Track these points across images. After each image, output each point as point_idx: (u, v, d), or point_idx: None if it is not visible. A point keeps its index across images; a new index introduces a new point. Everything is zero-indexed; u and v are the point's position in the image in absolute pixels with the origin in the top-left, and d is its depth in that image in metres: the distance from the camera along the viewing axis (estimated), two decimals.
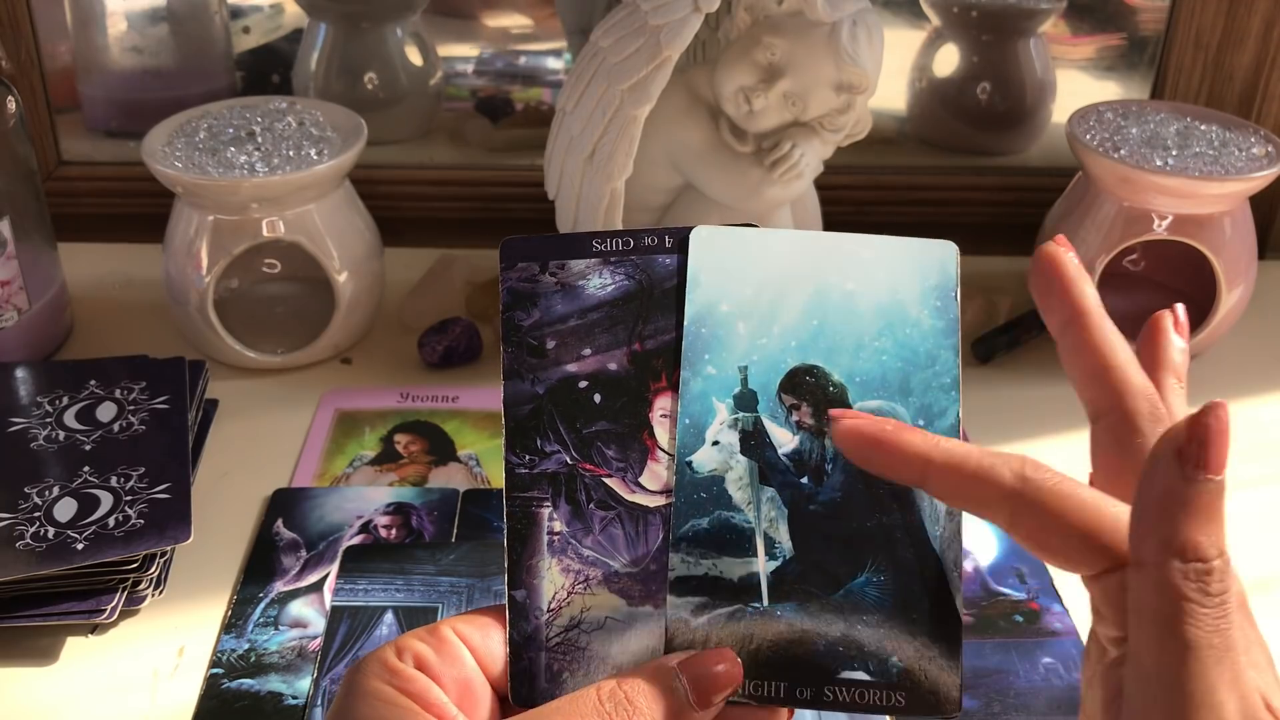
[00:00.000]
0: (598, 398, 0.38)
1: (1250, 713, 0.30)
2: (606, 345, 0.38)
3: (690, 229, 0.38)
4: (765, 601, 0.36)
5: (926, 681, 0.36)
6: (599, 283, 0.38)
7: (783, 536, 0.37)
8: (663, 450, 0.37)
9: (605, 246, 0.38)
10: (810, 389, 0.37)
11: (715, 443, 0.37)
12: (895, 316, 0.38)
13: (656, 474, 0.37)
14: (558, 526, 0.37)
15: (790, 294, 0.38)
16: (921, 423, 0.37)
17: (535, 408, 0.38)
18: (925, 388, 0.37)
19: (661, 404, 0.38)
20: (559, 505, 0.37)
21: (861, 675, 0.36)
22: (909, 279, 0.38)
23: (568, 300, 0.38)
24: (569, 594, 0.37)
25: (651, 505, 0.37)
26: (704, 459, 0.37)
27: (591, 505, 0.37)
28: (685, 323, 0.38)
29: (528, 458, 0.37)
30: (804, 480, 0.37)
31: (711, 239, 0.38)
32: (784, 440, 0.37)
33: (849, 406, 0.37)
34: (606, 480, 0.37)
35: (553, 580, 0.37)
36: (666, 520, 0.37)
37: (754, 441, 0.37)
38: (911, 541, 0.36)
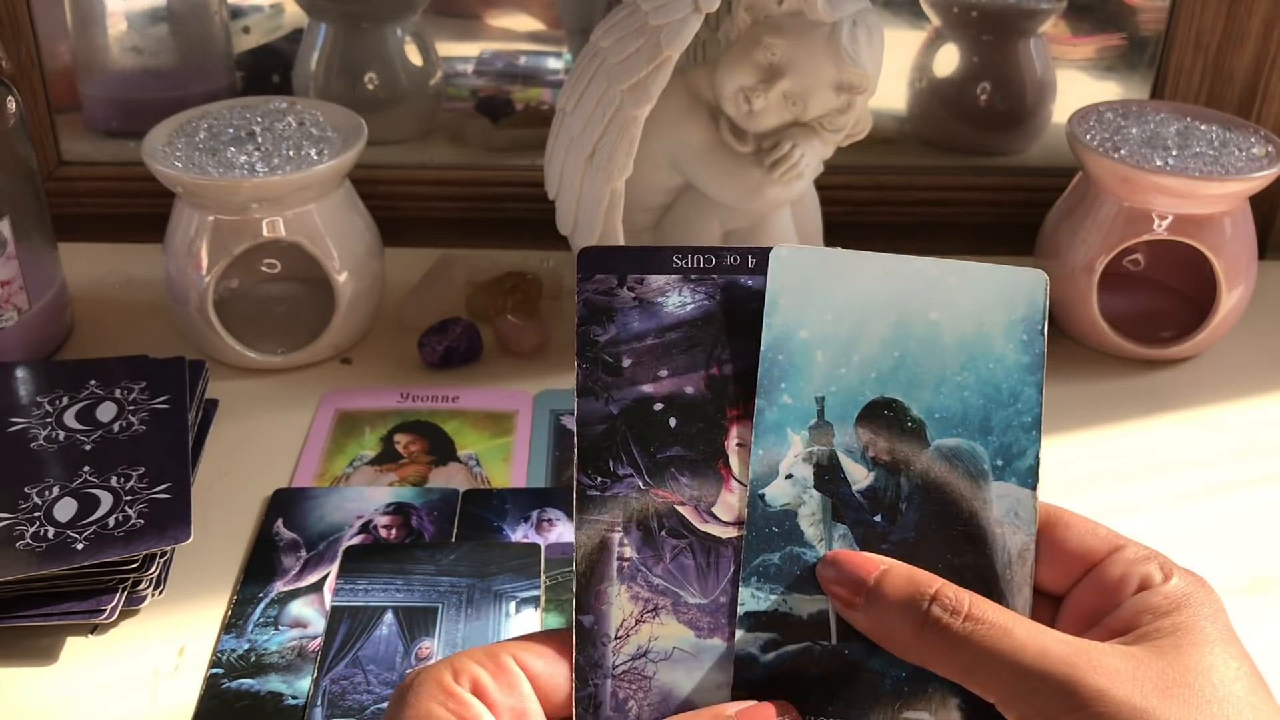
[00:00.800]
0: (673, 421, 0.36)
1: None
2: (684, 367, 0.36)
3: (770, 249, 0.37)
4: (834, 640, 0.35)
5: None
6: (678, 301, 0.37)
7: None
8: (737, 480, 0.36)
9: (686, 263, 0.37)
10: (888, 423, 0.36)
11: (789, 476, 0.36)
12: (979, 350, 0.36)
13: (730, 504, 0.36)
14: (628, 553, 0.36)
15: (872, 322, 0.36)
16: (1000, 463, 0.36)
17: (609, 428, 0.36)
18: (1006, 426, 0.36)
19: (737, 432, 0.36)
20: (630, 531, 0.36)
21: (925, 716, 0.35)
22: (996, 310, 0.36)
23: (645, 317, 0.37)
24: (637, 622, 0.36)
25: (724, 536, 0.36)
26: (777, 492, 0.36)
27: (663, 533, 0.36)
28: (762, 348, 0.36)
29: (599, 479, 0.36)
30: (877, 519, 0.36)
31: (792, 260, 0.36)
32: (859, 476, 0.36)
33: (927, 444, 0.36)
34: (679, 508, 0.36)
35: (621, 607, 0.36)
36: (738, 552, 0.36)
37: (829, 476, 0.36)
38: (983, 586, 0.36)
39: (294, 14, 0.98)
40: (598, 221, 0.72)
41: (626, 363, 0.36)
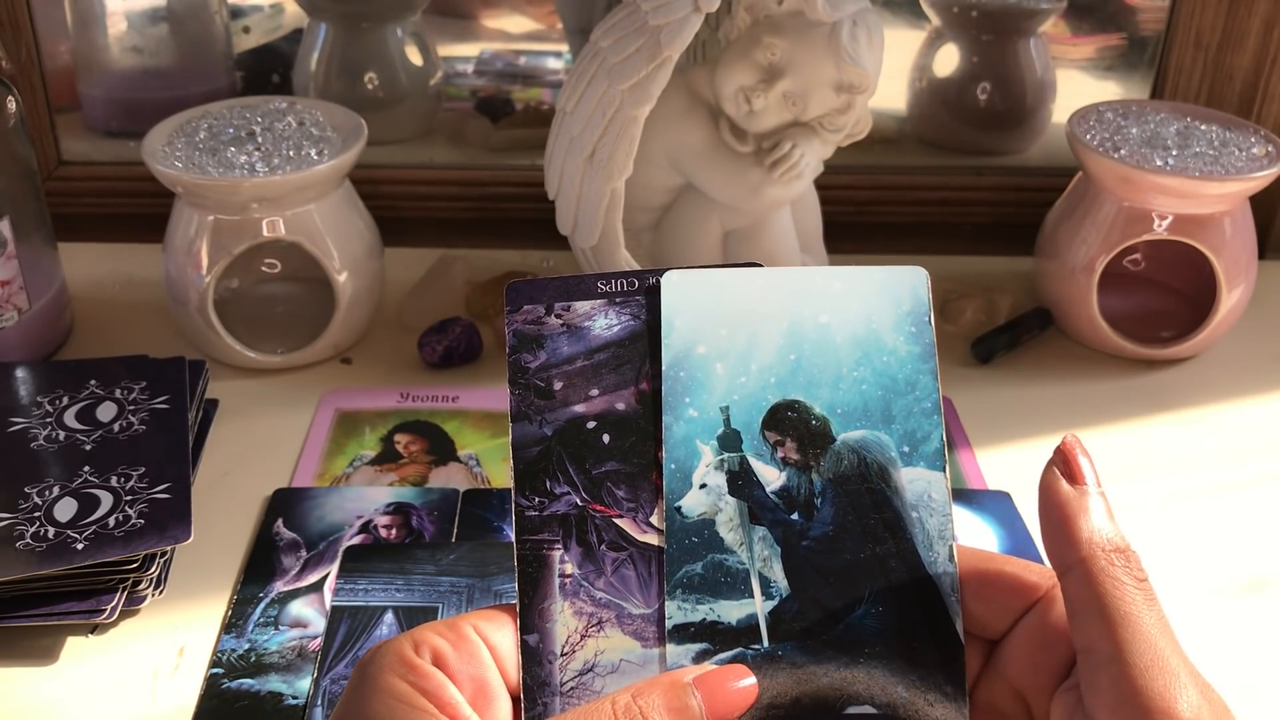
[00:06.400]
0: (606, 438, 0.37)
1: (1196, 676, 0.32)
2: (614, 385, 0.38)
3: (665, 272, 0.38)
4: (765, 643, 0.36)
5: (932, 711, 0.35)
6: (604, 323, 0.38)
7: (777, 575, 0.36)
8: None
9: (610, 287, 0.38)
10: (793, 424, 0.37)
11: (703, 485, 0.37)
12: (871, 345, 0.38)
13: None
14: (569, 569, 0.36)
15: (765, 331, 0.38)
16: (906, 449, 0.37)
17: (544, 450, 0.37)
18: (907, 414, 0.37)
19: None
20: (570, 547, 0.37)
21: (867, 710, 0.35)
22: (882, 307, 0.38)
23: (574, 341, 0.38)
24: (582, 637, 0.36)
25: (663, 545, 0.37)
26: (693, 503, 0.37)
27: (603, 547, 0.37)
28: (663, 368, 0.37)
29: (537, 500, 0.37)
30: (794, 516, 0.37)
31: (682, 283, 0.38)
32: (771, 478, 0.37)
33: (833, 439, 0.37)
34: (617, 521, 0.37)
35: (565, 624, 0.36)
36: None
37: (741, 481, 0.37)
38: (907, 570, 0.36)
39: (294, 14, 0.98)
40: (598, 221, 0.72)
41: (558, 385, 0.38)
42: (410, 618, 0.57)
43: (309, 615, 0.58)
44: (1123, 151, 0.76)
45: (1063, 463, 0.35)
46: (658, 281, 0.38)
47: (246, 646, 0.57)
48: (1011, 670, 0.36)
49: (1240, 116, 0.84)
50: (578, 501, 0.37)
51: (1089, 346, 0.80)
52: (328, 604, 0.59)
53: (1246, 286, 0.78)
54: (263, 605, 0.59)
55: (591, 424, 0.37)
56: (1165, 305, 0.85)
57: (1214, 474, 0.70)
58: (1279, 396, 0.77)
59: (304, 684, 0.55)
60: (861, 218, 0.93)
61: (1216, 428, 0.74)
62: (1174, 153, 0.76)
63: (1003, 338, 0.79)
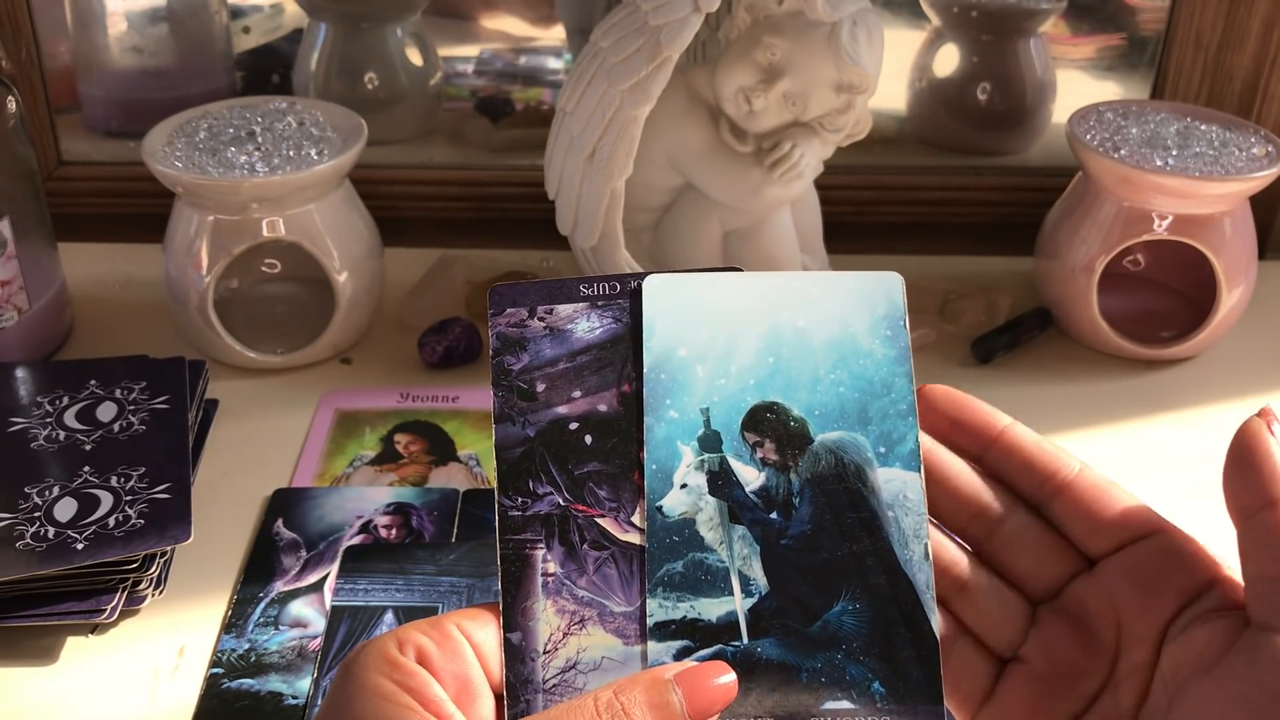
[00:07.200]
0: (588, 439, 0.38)
1: None
2: (596, 387, 0.38)
3: (646, 275, 0.39)
4: (745, 639, 0.37)
5: (909, 705, 0.36)
6: (587, 326, 0.38)
7: (757, 573, 0.37)
8: None
9: (592, 290, 0.39)
10: (771, 425, 0.38)
11: (683, 485, 0.37)
12: (848, 349, 0.39)
13: None
14: (551, 568, 0.37)
15: (744, 335, 0.39)
16: (883, 450, 0.38)
17: (526, 450, 0.38)
18: (883, 415, 0.38)
19: None
20: (552, 546, 0.37)
21: (845, 704, 0.36)
22: (858, 311, 0.39)
23: (556, 344, 0.38)
24: (564, 635, 0.37)
25: (644, 544, 0.37)
26: (674, 503, 0.37)
27: (585, 546, 0.37)
28: (645, 370, 0.38)
29: (520, 500, 0.37)
30: (773, 516, 0.38)
31: (663, 287, 0.39)
32: (750, 478, 0.38)
33: (810, 440, 0.38)
34: (599, 520, 0.37)
35: (548, 622, 0.37)
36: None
37: (721, 481, 0.38)
38: (883, 568, 0.37)
39: (294, 14, 0.98)
40: (598, 221, 0.72)
41: (540, 387, 0.38)
42: (410, 618, 0.57)
43: (309, 615, 0.58)
44: (1123, 151, 0.76)
45: (1266, 418, 0.37)
46: (639, 285, 0.39)
47: (246, 646, 0.57)
48: (1117, 585, 0.37)
49: (1240, 116, 0.84)
50: (560, 501, 0.37)
51: (1089, 346, 0.80)
52: (328, 604, 0.59)
53: (1246, 286, 0.78)
54: (263, 605, 0.59)
55: (574, 425, 0.38)
56: (1165, 305, 0.85)
57: (1214, 474, 0.69)
58: (1279, 396, 0.77)
59: (304, 684, 0.55)
60: (861, 218, 0.93)
61: (1216, 428, 0.74)
62: (1174, 153, 0.76)
63: (1003, 338, 0.79)
